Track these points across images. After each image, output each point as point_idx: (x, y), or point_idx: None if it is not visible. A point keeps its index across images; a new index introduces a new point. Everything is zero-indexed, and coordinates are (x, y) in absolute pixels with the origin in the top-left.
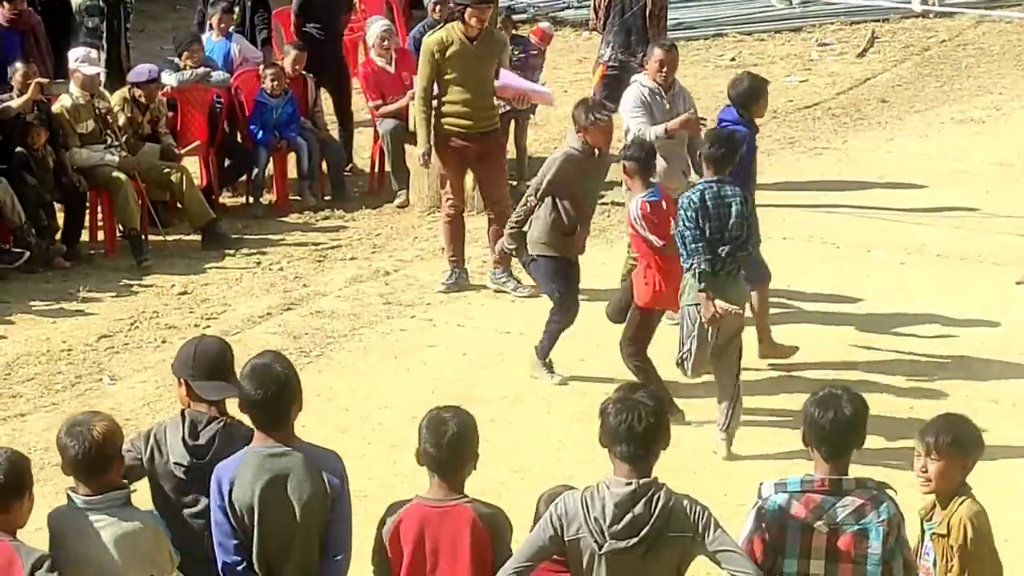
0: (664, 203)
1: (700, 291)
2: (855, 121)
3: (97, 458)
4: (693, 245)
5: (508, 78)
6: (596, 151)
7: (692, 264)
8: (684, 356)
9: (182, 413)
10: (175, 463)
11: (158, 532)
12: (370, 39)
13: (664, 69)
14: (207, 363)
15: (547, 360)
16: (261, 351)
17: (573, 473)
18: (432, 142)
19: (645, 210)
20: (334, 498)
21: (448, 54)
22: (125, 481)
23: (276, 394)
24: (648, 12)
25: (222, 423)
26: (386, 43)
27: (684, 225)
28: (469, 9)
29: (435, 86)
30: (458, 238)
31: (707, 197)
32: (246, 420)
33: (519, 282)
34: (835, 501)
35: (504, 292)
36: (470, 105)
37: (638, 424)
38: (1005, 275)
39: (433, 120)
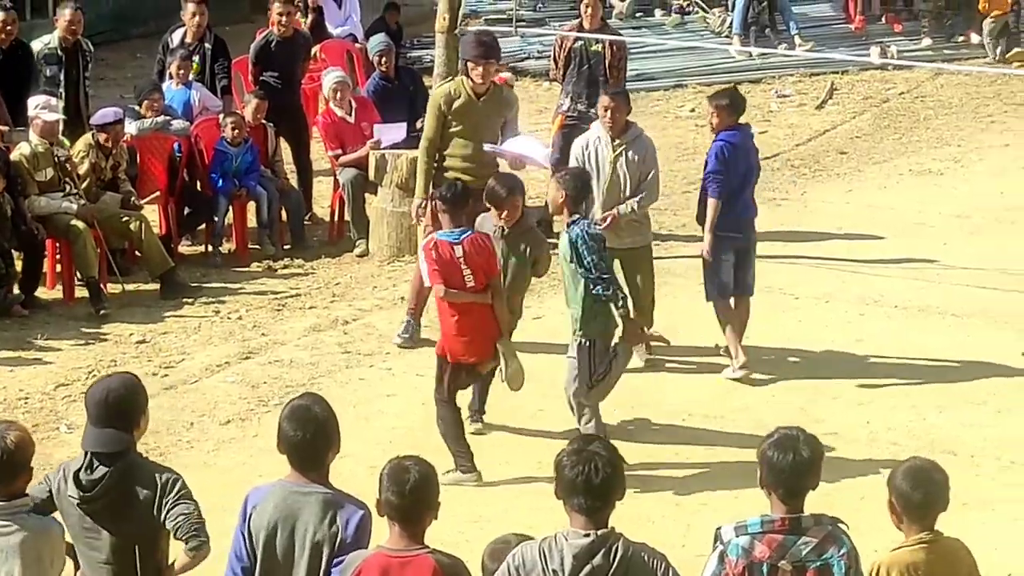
0: (461, 249)
1: (628, 317)
2: (814, 172)
3: (8, 465)
4: (610, 274)
5: (509, 143)
6: (503, 225)
7: (613, 290)
8: (597, 378)
9: (85, 451)
10: (70, 496)
11: (59, 537)
12: (324, 91)
13: (608, 114)
14: (93, 408)
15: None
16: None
17: (532, 523)
18: (429, 195)
19: (428, 245)
20: (341, 548)
21: (455, 107)
22: (28, 493)
23: (312, 436)
24: (607, 63)
25: (125, 461)
26: (338, 95)
27: (597, 256)
28: (469, 63)
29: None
30: (425, 294)
31: (590, 232)
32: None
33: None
34: (796, 539)
35: None
36: (472, 160)
37: (595, 476)
38: (963, 327)
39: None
